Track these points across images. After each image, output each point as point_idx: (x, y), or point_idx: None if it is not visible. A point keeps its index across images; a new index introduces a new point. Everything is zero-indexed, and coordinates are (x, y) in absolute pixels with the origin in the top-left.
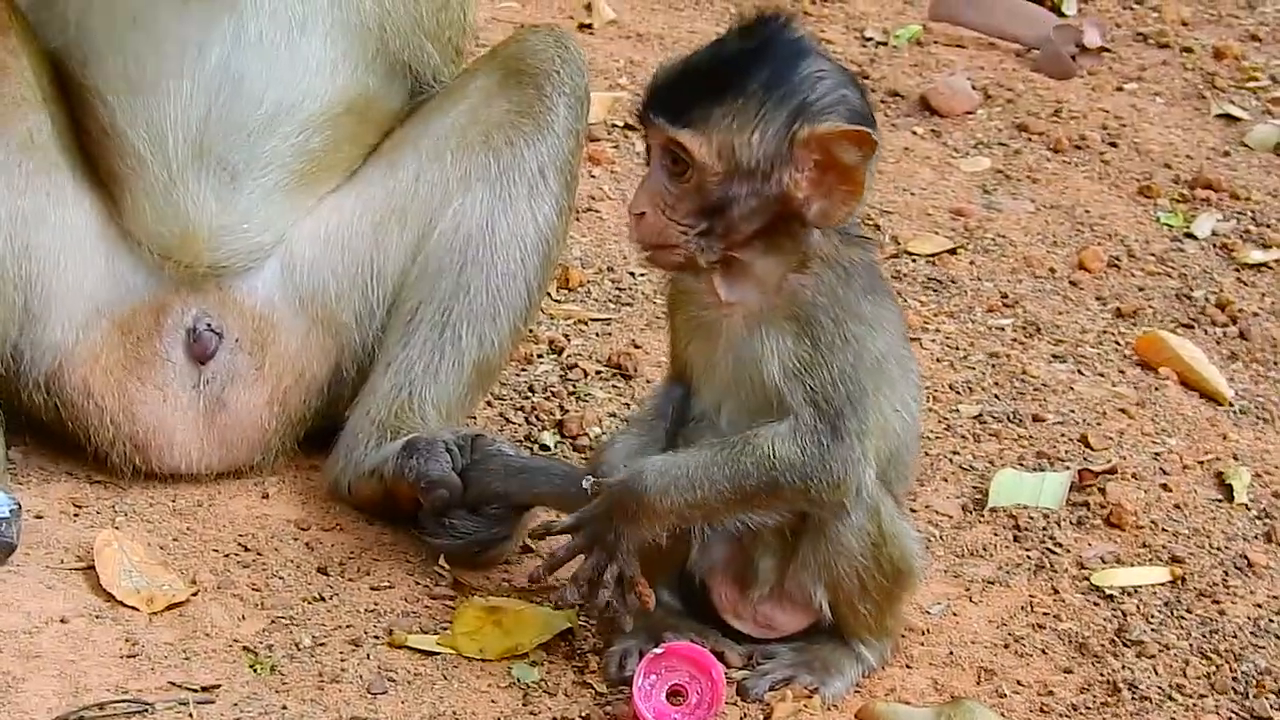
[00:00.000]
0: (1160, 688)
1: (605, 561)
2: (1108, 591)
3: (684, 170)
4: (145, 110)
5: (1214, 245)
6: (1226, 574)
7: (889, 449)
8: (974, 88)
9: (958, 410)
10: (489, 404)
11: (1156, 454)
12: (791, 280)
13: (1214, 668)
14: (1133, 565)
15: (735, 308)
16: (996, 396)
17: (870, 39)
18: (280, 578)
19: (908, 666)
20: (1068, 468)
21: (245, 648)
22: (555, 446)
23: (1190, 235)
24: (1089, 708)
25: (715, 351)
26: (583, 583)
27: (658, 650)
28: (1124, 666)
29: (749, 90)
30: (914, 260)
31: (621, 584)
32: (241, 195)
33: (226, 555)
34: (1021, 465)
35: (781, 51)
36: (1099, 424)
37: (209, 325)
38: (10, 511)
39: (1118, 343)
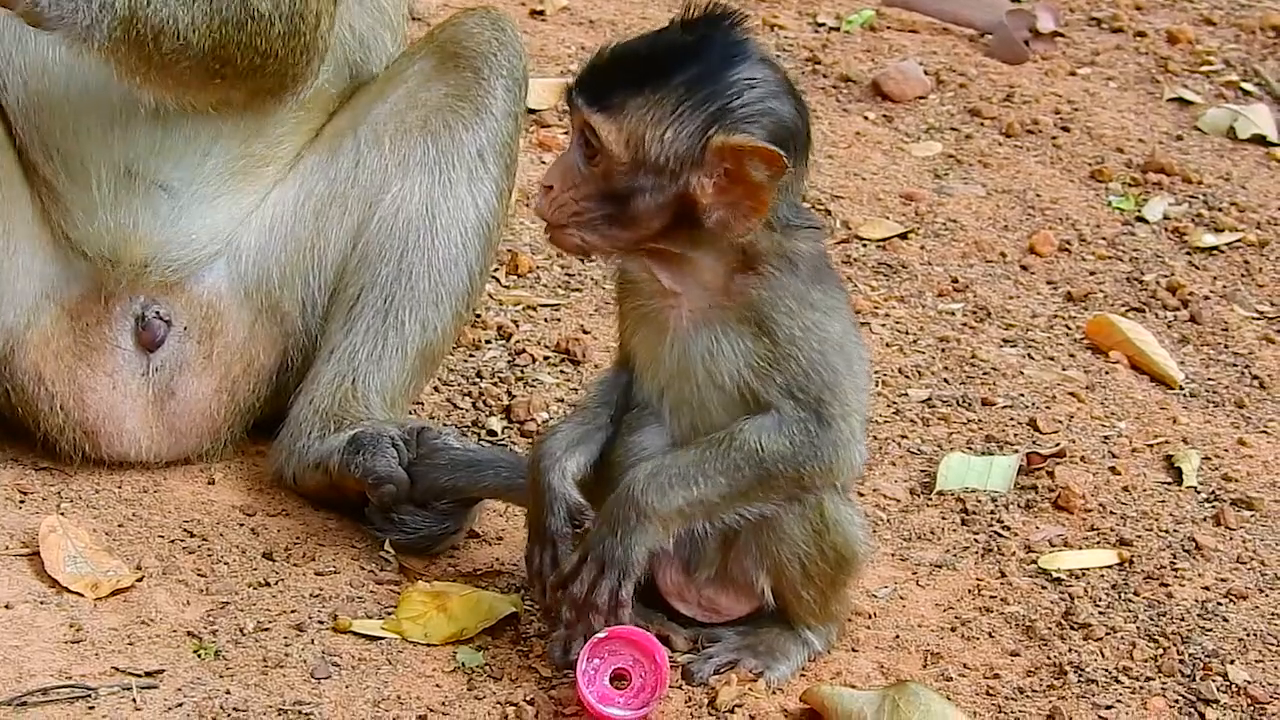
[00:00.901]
0: (1107, 670)
1: (619, 581)
2: (1055, 574)
3: (595, 154)
4: (68, 143)
5: (1166, 229)
6: (1174, 557)
7: None
8: (926, 73)
9: (907, 394)
10: (436, 389)
11: (1106, 437)
12: (738, 281)
13: (1161, 650)
14: (1080, 548)
15: (680, 300)
16: (946, 380)
17: (823, 24)
18: (225, 563)
19: (854, 650)
20: (1016, 451)
21: (189, 633)
22: (503, 432)
23: (1142, 219)
24: (1035, 690)
25: (661, 343)
26: (578, 603)
27: (601, 634)
28: (1071, 649)
29: (671, 85)
30: (864, 245)
31: (619, 599)
32: (181, 209)
33: (172, 541)
34: (970, 449)
35: (717, 51)
36: (1048, 408)
37: (157, 313)
38: None
39: (1068, 327)
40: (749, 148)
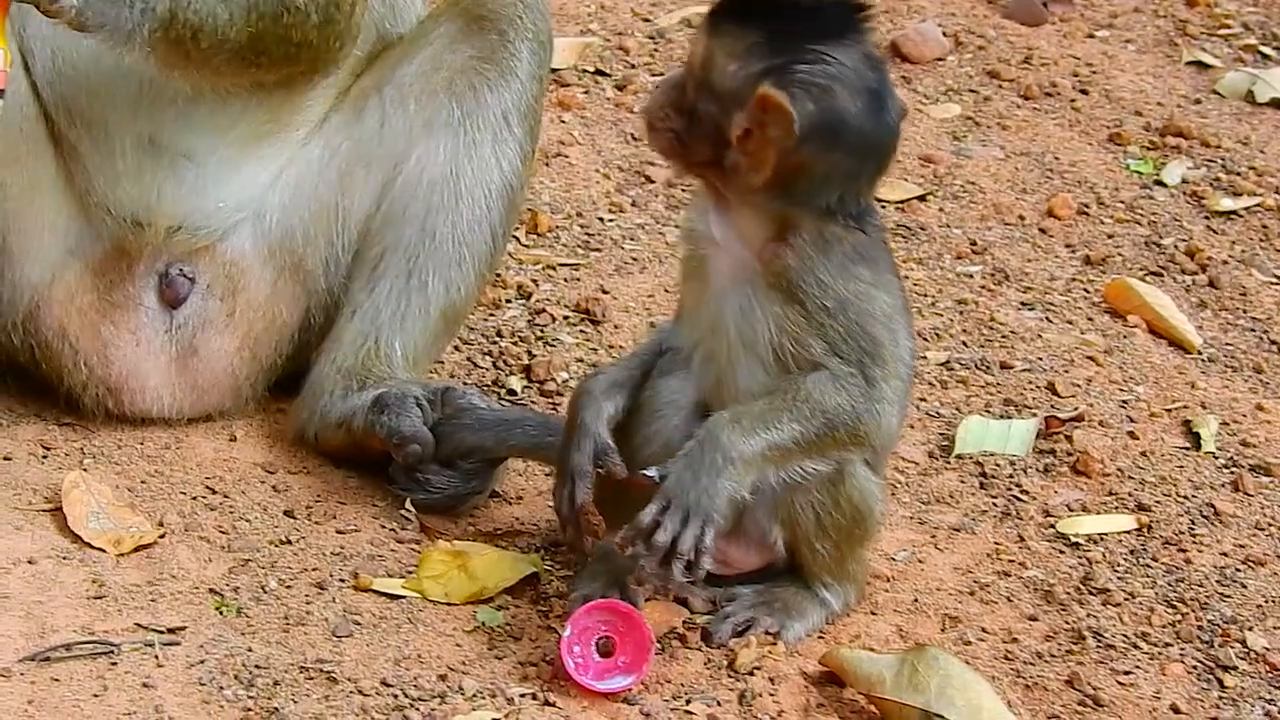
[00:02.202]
0: (1125, 636)
1: (703, 528)
2: (1073, 539)
3: (692, 72)
4: (93, 112)
5: (1184, 193)
6: (1193, 522)
7: None
8: (945, 34)
9: (925, 357)
10: (456, 348)
11: (1124, 402)
12: (771, 248)
13: (1179, 616)
14: (1099, 513)
15: (722, 250)
16: (964, 344)
17: None
18: (247, 520)
19: (872, 613)
20: (1035, 415)
21: (211, 590)
22: (522, 391)
23: (1160, 183)
24: (1054, 655)
25: (701, 296)
26: (661, 553)
27: (583, 606)
28: (1089, 614)
29: (764, 27)
30: (883, 207)
31: (702, 546)
32: (207, 174)
33: (194, 498)
34: (988, 412)
35: (823, 23)
36: (1067, 371)
37: (181, 271)
38: None
39: (1086, 290)
40: (774, 103)
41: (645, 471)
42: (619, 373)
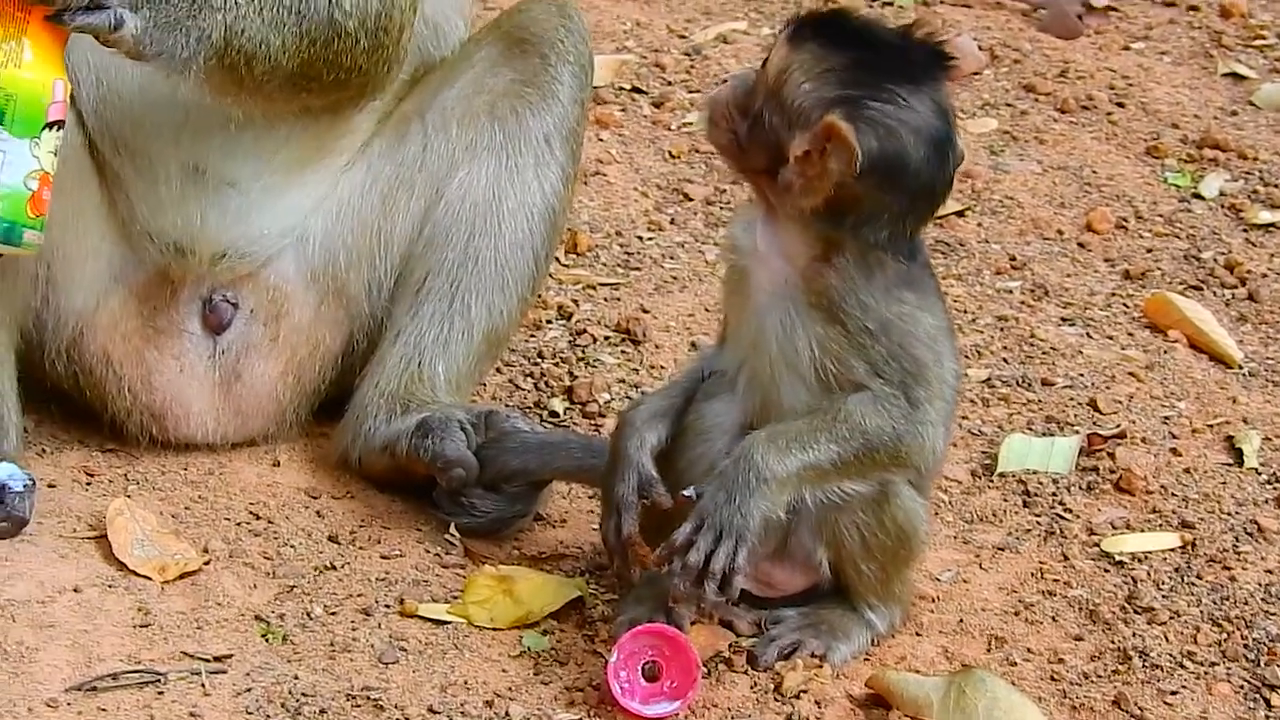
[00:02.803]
0: (1171, 655)
1: (735, 547)
2: (1118, 558)
3: (762, 70)
4: (139, 141)
5: (1222, 205)
6: (1237, 539)
7: None
8: (980, 48)
9: (967, 374)
10: (498, 370)
11: (1166, 418)
12: (814, 266)
13: (1225, 635)
14: (1143, 531)
15: (764, 263)
16: (1005, 360)
17: (877, 0)
18: (291, 546)
19: (918, 634)
20: (1077, 432)
21: (257, 617)
22: (564, 413)
23: (1198, 196)
24: (1100, 675)
25: (744, 309)
26: (695, 574)
27: (628, 631)
28: (1135, 634)
29: (845, 54)
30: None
31: (734, 566)
32: (251, 204)
33: (238, 524)
34: (1031, 430)
35: (904, 64)
36: (1108, 388)
37: (224, 296)
38: (24, 486)
39: (1126, 305)
40: (840, 134)
41: (684, 491)
42: (660, 401)
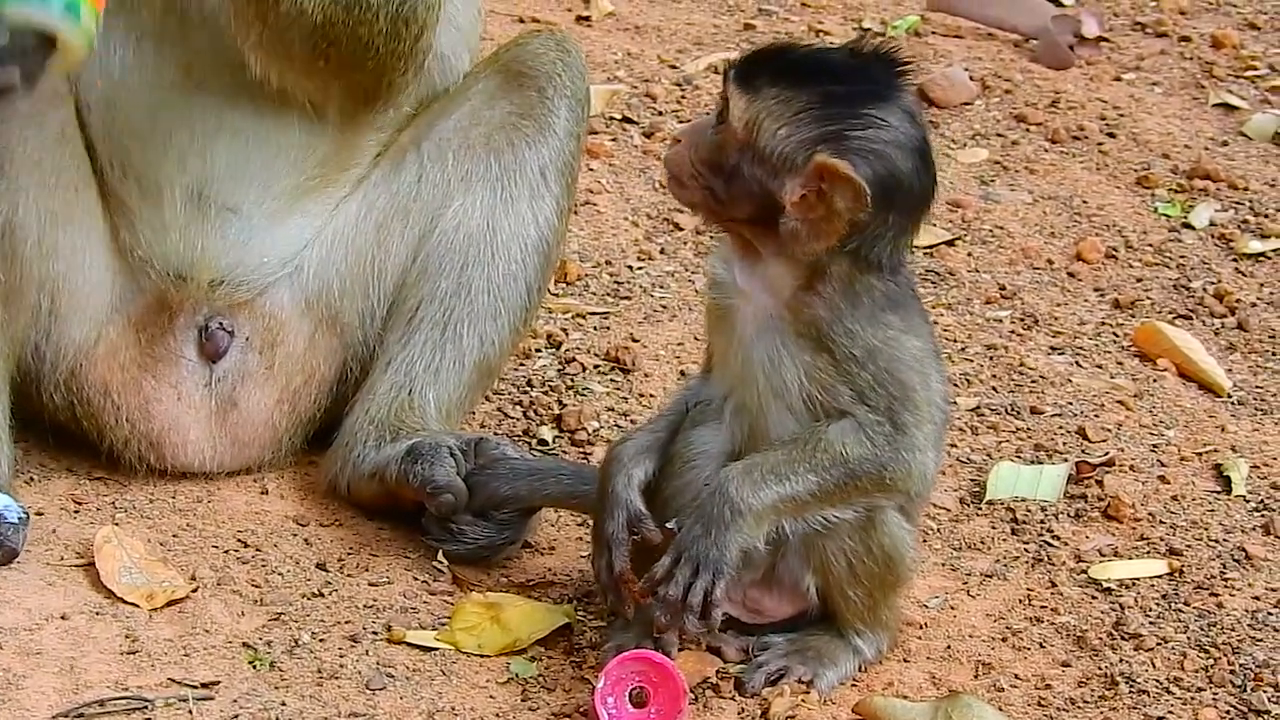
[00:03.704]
0: (1158, 681)
1: (713, 580)
2: (1105, 584)
3: (723, 124)
4: (144, 164)
5: (1212, 235)
6: (1224, 566)
7: None
8: (972, 78)
9: (956, 403)
10: (487, 399)
11: (1154, 446)
12: (800, 297)
13: (1212, 661)
14: (1130, 558)
15: (748, 300)
16: (994, 389)
17: (868, 30)
18: (279, 574)
19: (905, 660)
20: (1065, 460)
21: (244, 644)
22: (553, 441)
23: (1188, 225)
24: (1087, 701)
25: (729, 345)
26: (675, 606)
27: (616, 657)
28: (1122, 660)
29: (810, 90)
30: (912, 252)
31: (712, 599)
32: (252, 231)
33: (226, 551)
34: (1019, 458)
35: (867, 83)
36: (1097, 416)
37: (220, 324)
38: (19, 519)
39: (1115, 334)
40: (843, 175)
41: (668, 524)
42: (647, 437)
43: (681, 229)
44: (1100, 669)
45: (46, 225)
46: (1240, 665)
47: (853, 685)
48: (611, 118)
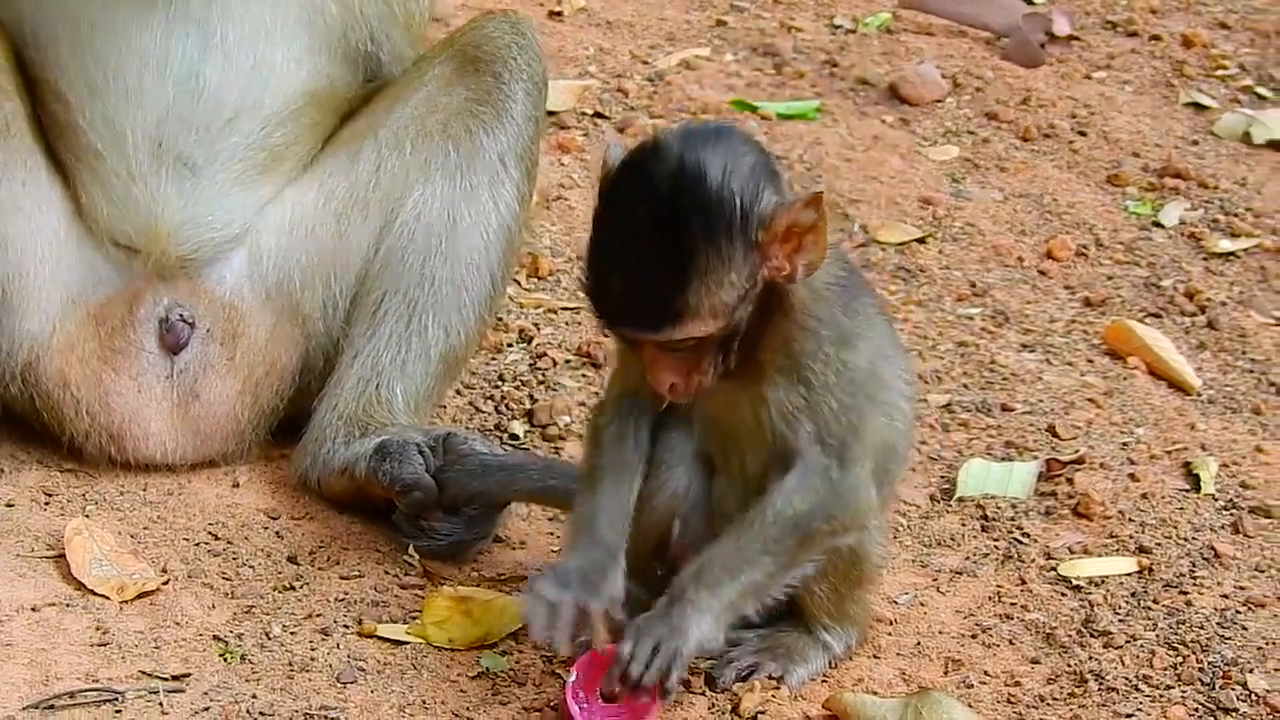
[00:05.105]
0: (1127, 678)
1: (668, 670)
2: (1075, 582)
3: (687, 343)
4: (103, 110)
5: (1182, 234)
6: (1194, 565)
7: (884, 448)
8: (943, 76)
9: (926, 400)
10: (458, 393)
11: (1124, 444)
12: (777, 332)
13: (1180, 659)
14: (1100, 555)
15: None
16: (965, 386)
17: (840, 26)
18: (250, 567)
19: (875, 657)
20: (1036, 457)
21: (215, 636)
22: (524, 436)
23: (1158, 224)
24: (1056, 698)
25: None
26: (633, 683)
27: (587, 652)
28: (1091, 657)
29: (699, 254)
30: (883, 249)
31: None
32: (203, 189)
33: (197, 544)
34: (990, 455)
35: (688, 192)
36: (1067, 414)
37: (181, 316)
38: None
39: (1086, 332)
40: (787, 215)
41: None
42: (606, 499)
43: None
44: (1069, 666)
45: None
46: (1209, 663)
47: (823, 681)
48: (583, 113)
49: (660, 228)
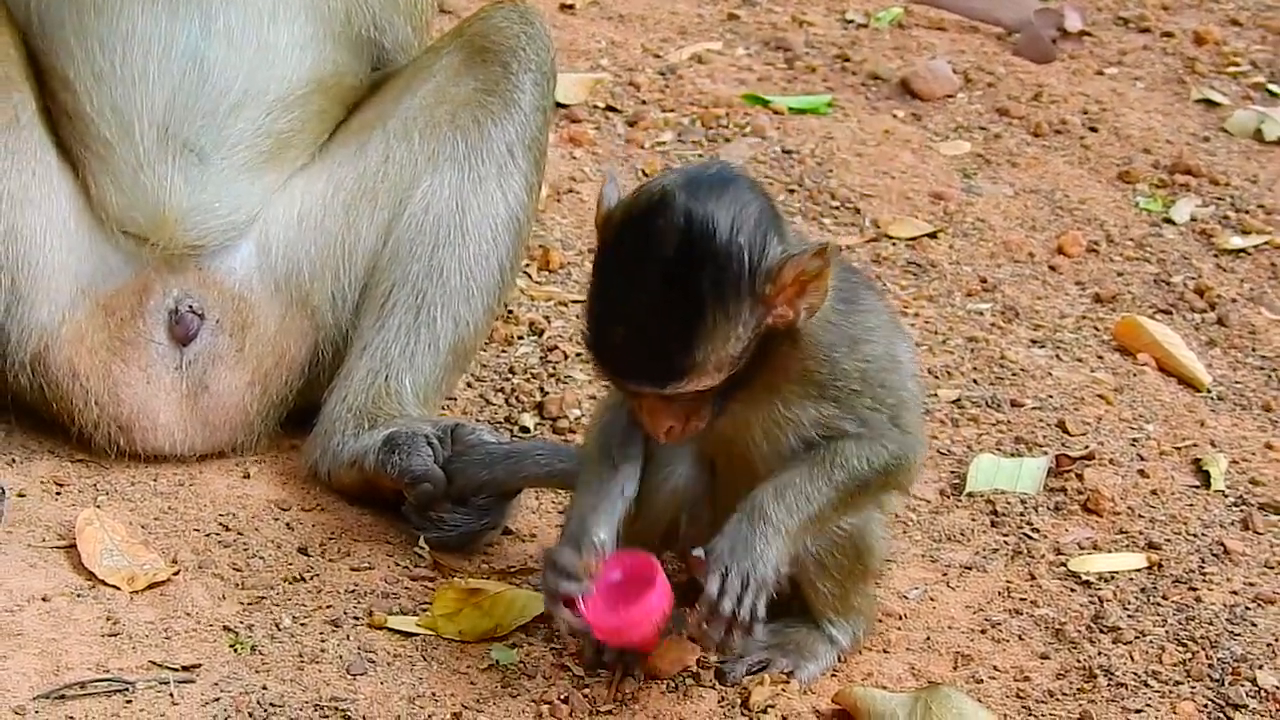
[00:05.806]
0: (1136, 674)
1: (757, 597)
2: (1084, 577)
3: (688, 394)
4: (110, 97)
5: (1193, 231)
6: (1203, 561)
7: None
8: (954, 71)
9: (936, 395)
10: (469, 385)
11: (1134, 440)
12: (786, 358)
13: (1190, 655)
14: (1110, 551)
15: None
16: (975, 381)
17: (851, 21)
18: (261, 558)
19: (885, 651)
20: (1045, 453)
21: (225, 627)
22: (535, 428)
23: (1169, 221)
24: (1065, 693)
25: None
26: (726, 623)
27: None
28: (1100, 653)
29: (707, 312)
30: (894, 244)
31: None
32: (210, 176)
33: (207, 535)
34: (1000, 450)
35: (696, 249)
36: (1077, 409)
37: (190, 307)
38: None
39: (1096, 328)
40: (794, 268)
41: (694, 552)
42: (604, 507)
43: None
44: (1079, 661)
45: (4, 207)
46: (1218, 659)
47: (833, 675)
48: (595, 106)
49: (667, 284)
